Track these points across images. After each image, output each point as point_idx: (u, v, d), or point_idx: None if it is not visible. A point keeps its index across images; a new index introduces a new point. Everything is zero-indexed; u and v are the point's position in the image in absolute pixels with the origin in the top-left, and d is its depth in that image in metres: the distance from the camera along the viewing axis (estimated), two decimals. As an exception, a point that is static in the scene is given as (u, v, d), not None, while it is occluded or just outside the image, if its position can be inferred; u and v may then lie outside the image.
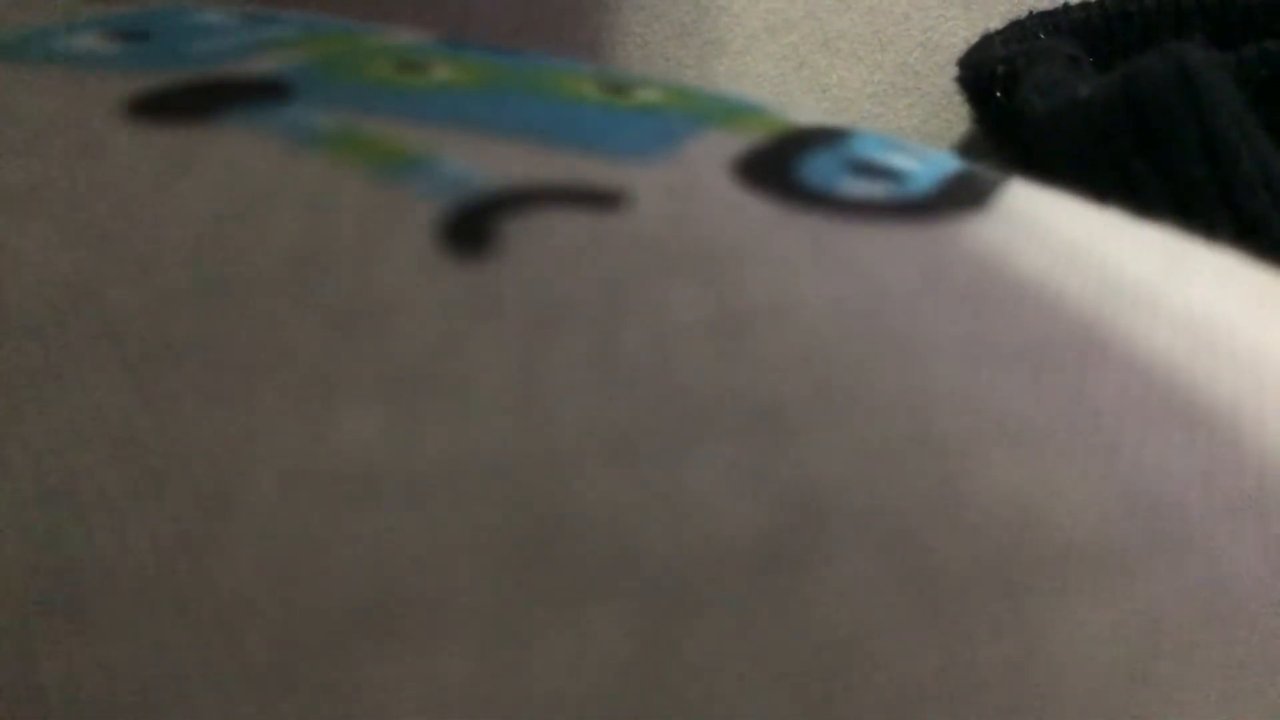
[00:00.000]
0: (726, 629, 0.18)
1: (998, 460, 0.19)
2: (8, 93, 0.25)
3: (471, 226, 0.22)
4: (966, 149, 0.44)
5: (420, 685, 0.17)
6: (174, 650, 0.17)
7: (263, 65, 0.26)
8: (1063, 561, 0.19)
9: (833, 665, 0.18)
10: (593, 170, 0.24)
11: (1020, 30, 0.45)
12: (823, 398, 0.20)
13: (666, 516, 0.18)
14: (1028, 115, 0.35)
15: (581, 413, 0.19)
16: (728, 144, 0.25)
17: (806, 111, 0.28)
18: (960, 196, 0.24)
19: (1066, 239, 0.24)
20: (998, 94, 0.38)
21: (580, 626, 0.17)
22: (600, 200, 0.23)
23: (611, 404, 0.20)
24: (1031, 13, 0.46)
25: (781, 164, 0.25)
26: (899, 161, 0.26)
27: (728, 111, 0.27)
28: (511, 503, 0.18)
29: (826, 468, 0.19)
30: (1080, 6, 0.45)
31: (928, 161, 0.26)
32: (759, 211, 0.23)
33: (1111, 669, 0.18)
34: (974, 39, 0.46)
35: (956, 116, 0.45)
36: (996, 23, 0.47)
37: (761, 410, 0.20)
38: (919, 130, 0.44)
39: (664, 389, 0.20)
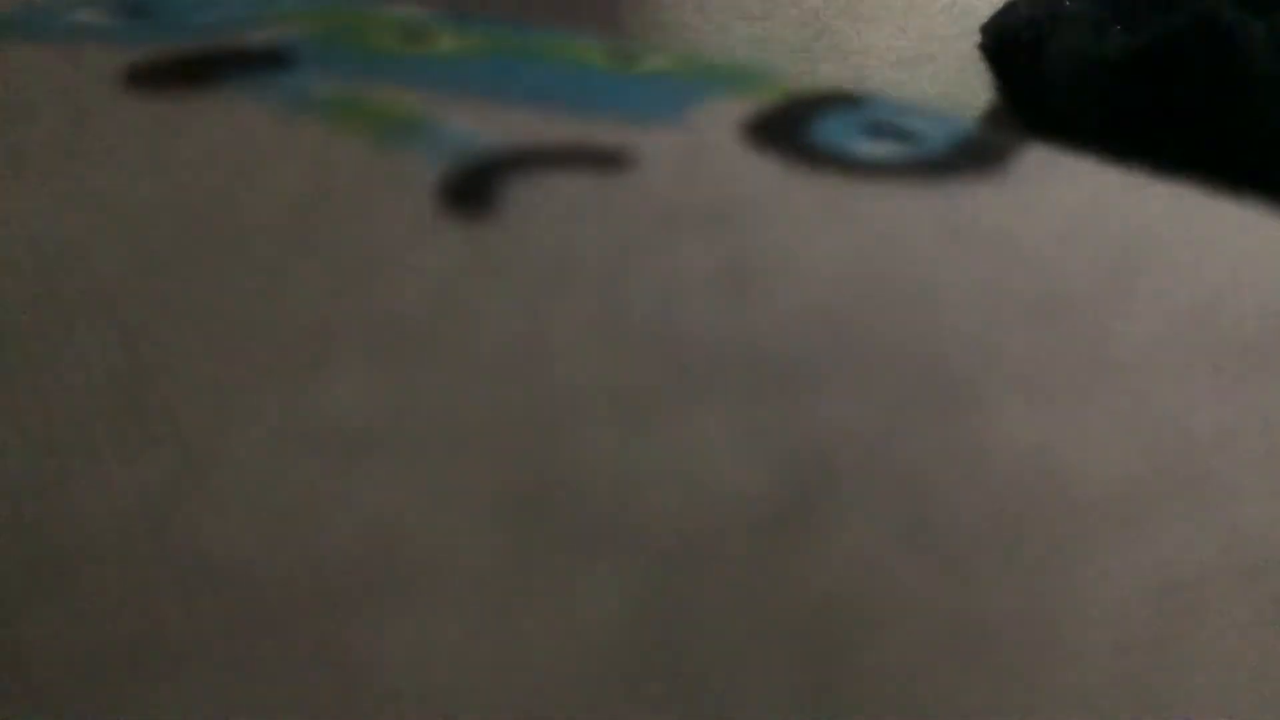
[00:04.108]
0: (732, 590, 0.17)
1: (1015, 412, 0.19)
2: (7, 67, 0.25)
3: (473, 187, 0.22)
4: (990, 116, 0.43)
5: (413, 644, 0.16)
6: (160, 605, 0.16)
7: (263, 35, 0.26)
8: (1082, 515, 0.18)
9: (841, 623, 0.17)
10: (598, 132, 0.23)
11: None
12: (832, 352, 0.19)
13: (671, 475, 0.18)
14: (1052, 80, 0.35)
15: (585, 370, 0.19)
16: (738, 107, 0.25)
17: (826, 78, 0.28)
18: (976, 156, 0.24)
19: (1087, 195, 0.23)
20: (1021, 59, 0.38)
21: (580, 589, 0.17)
22: (605, 160, 0.22)
23: (615, 361, 0.19)
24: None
25: (793, 125, 0.24)
26: (913, 123, 0.25)
27: (739, 77, 0.26)
28: (512, 461, 0.18)
29: (836, 423, 0.19)
30: (1105, -31, 0.44)
31: (943, 123, 0.25)
32: (768, 170, 0.23)
33: (1132, 622, 0.17)
34: (999, 4, 0.45)
35: (981, 83, 0.44)
36: (1021, -13, 0.46)
37: (770, 366, 0.19)
38: (942, 97, 0.43)
39: (669, 346, 0.19)
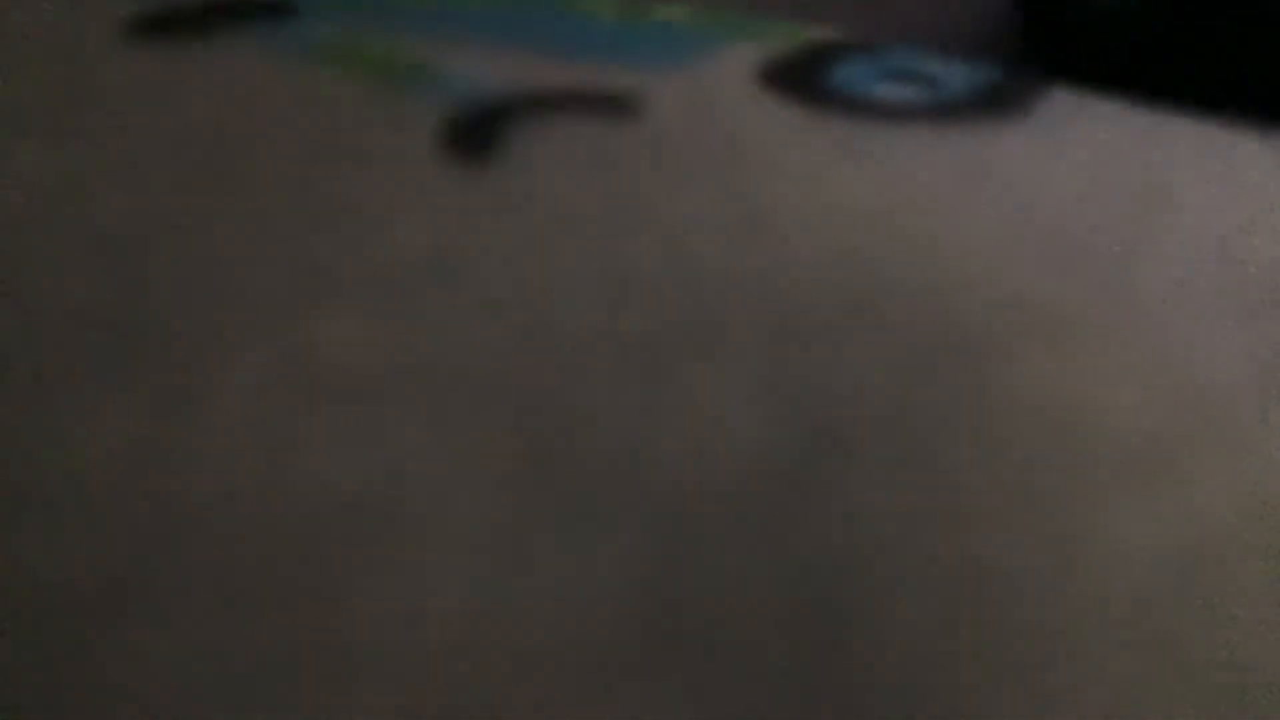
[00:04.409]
0: (741, 550, 0.16)
1: (1037, 360, 0.18)
2: (6, 18, 0.25)
3: (477, 132, 0.21)
4: (1014, 60, 0.42)
5: (410, 599, 0.16)
6: (144, 545, 0.16)
7: None
8: (1106, 466, 0.17)
9: (854, 584, 0.16)
10: (606, 77, 0.23)
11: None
12: (847, 301, 0.19)
13: (677, 431, 0.17)
14: (1077, 21, 0.34)
15: (589, 320, 0.18)
16: (754, 53, 0.24)
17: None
18: (998, 100, 0.23)
19: (1110, 138, 0.22)
20: (1046, 1, 0.37)
21: (583, 549, 0.16)
22: (613, 106, 0.22)
23: (621, 312, 0.18)
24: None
25: (811, 70, 0.24)
26: (934, 68, 0.24)
27: (756, 27, 0.26)
28: (511, 414, 0.17)
29: (849, 376, 0.18)
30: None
31: (965, 68, 0.25)
32: (784, 115, 0.22)
33: (1155, 578, 0.16)
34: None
35: (1007, 28, 0.43)
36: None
37: (781, 317, 0.19)
38: (967, 42, 0.42)
39: (678, 296, 0.19)
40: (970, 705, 0.15)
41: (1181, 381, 0.18)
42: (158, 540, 0.16)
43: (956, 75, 0.24)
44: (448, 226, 0.19)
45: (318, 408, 0.17)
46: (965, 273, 0.19)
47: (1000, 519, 0.17)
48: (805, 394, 0.18)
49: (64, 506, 0.16)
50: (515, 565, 0.16)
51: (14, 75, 0.22)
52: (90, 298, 0.18)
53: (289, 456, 0.16)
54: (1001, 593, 0.16)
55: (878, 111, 0.22)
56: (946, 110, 0.23)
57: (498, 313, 0.18)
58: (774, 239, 0.20)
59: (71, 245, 0.19)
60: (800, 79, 0.23)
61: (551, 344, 0.18)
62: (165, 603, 0.15)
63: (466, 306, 0.18)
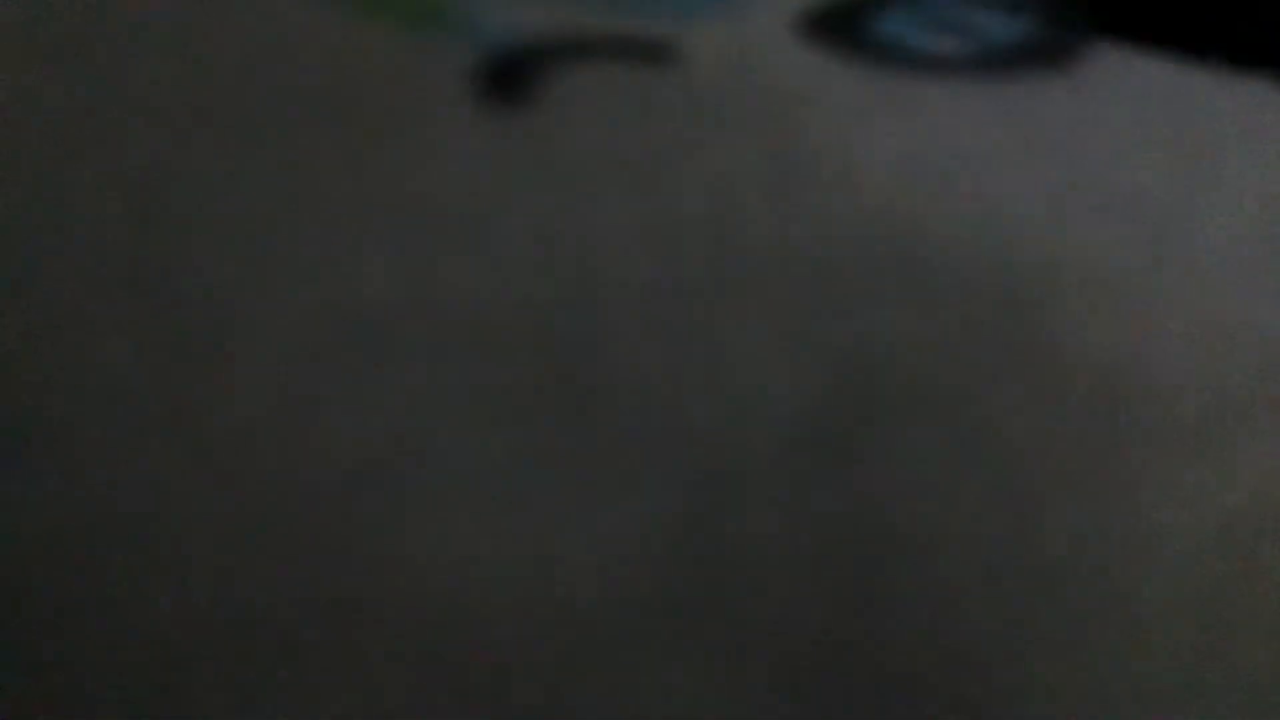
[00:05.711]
0: (775, 509, 0.16)
1: (1084, 321, 0.18)
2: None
3: (510, 76, 0.21)
4: (1062, 14, 0.41)
5: (433, 542, 0.15)
6: (161, 481, 0.15)
7: None
8: (1159, 431, 0.17)
9: (889, 546, 0.16)
10: (644, 25, 0.22)
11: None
12: (889, 255, 0.18)
13: (712, 385, 0.17)
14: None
15: (623, 269, 0.18)
16: (795, 2, 0.24)
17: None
18: (1043, 53, 0.23)
19: (1158, 94, 0.22)
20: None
21: (613, 503, 0.16)
22: (650, 52, 0.21)
23: (655, 261, 0.18)
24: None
25: (853, 20, 0.23)
26: (978, 20, 0.24)
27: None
28: (541, 361, 0.17)
29: (890, 330, 0.18)
30: None
31: (1009, 20, 0.24)
32: (825, 64, 0.22)
33: (1200, 554, 0.16)
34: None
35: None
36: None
37: (821, 269, 0.18)
38: None
39: (713, 246, 0.18)
40: (1012, 675, 0.15)
41: (1232, 346, 0.18)
42: (172, 475, 0.15)
43: (1001, 27, 0.24)
44: (480, 170, 0.19)
45: (346, 353, 0.17)
46: (1010, 229, 0.19)
47: (1047, 488, 0.17)
48: (844, 350, 0.17)
49: (85, 445, 0.16)
50: (544, 520, 0.16)
51: (40, 10, 0.22)
52: (115, 238, 0.18)
53: (316, 405, 0.16)
54: (1046, 561, 0.16)
55: (920, 63, 0.22)
56: (990, 62, 0.22)
57: (530, 261, 0.18)
58: (814, 191, 0.19)
59: (95, 183, 0.19)
60: (842, 29, 0.23)
61: (584, 295, 0.18)
62: (181, 543, 0.15)
63: (498, 254, 0.18)
